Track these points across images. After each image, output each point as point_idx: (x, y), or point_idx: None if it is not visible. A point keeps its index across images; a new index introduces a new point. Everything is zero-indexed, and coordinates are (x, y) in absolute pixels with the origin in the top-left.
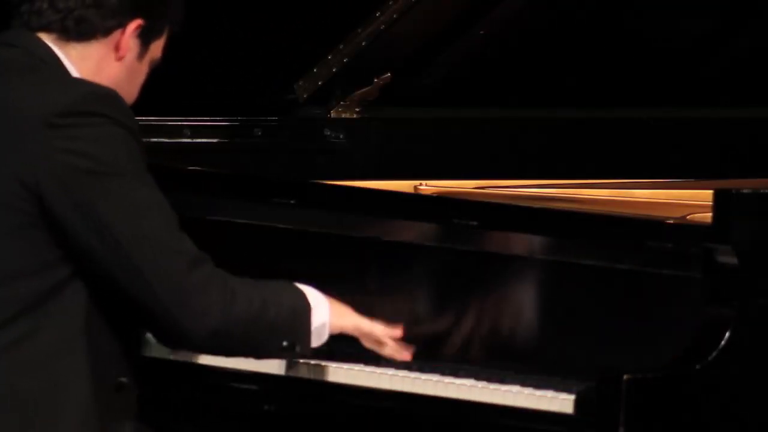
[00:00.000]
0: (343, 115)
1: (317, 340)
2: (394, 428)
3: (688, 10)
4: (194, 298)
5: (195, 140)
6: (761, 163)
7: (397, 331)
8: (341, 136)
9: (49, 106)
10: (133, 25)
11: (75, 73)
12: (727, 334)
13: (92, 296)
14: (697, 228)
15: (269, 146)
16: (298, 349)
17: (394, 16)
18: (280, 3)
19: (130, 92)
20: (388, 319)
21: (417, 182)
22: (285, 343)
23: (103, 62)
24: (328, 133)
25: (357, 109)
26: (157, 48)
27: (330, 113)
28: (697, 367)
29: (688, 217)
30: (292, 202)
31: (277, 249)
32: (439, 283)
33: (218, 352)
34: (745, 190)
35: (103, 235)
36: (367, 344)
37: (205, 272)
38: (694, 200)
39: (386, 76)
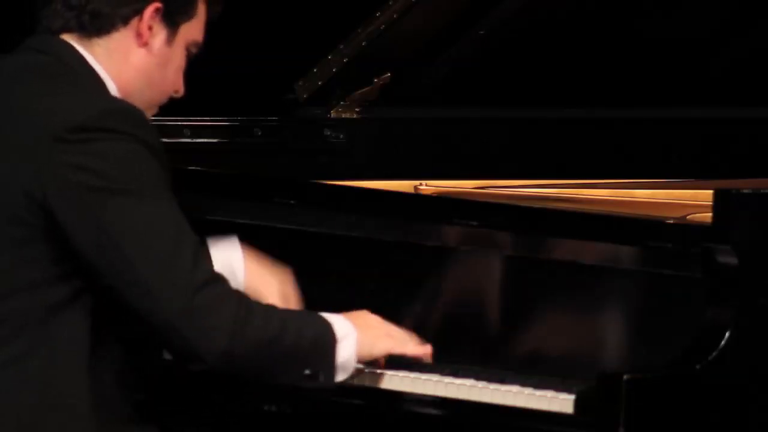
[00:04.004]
0: (343, 115)
1: (343, 373)
2: (393, 428)
3: (689, 11)
4: (204, 317)
5: (195, 140)
6: (761, 163)
7: (428, 351)
8: (341, 136)
9: (63, 120)
10: (151, 9)
11: (102, 71)
12: (727, 334)
13: (101, 314)
14: (697, 228)
15: (269, 146)
16: (321, 378)
17: (394, 16)
18: (281, 3)
19: (164, 78)
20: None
21: (417, 182)
22: (307, 372)
23: (128, 53)
24: (328, 133)
25: (357, 109)
26: (191, 30)
27: (330, 113)
28: (697, 367)
29: (688, 217)
30: (292, 202)
31: (277, 249)
32: (440, 283)
33: (233, 374)
34: (745, 190)
35: (111, 252)
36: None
37: (216, 291)
38: (694, 200)
39: (386, 76)
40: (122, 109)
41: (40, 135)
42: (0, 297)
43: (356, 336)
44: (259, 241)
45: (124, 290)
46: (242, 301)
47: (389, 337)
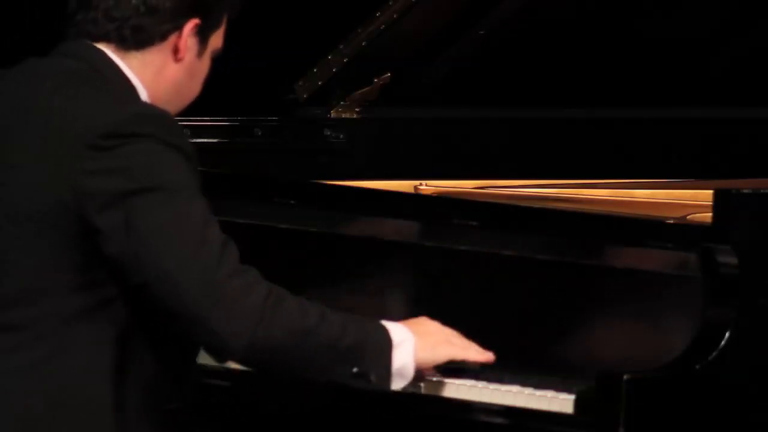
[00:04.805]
0: (343, 115)
1: (401, 380)
2: (392, 428)
3: (689, 11)
4: (229, 307)
5: (195, 140)
6: (761, 163)
7: (490, 357)
8: (341, 136)
9: (95, 126)
10: (190, 26)
11: (137, 81)
12: (727, 334)
13: (127, 324)
14: (697, 228)
15: (269, 146)
16: (373, 379)
17: (394, 16)
18: (281, 3)
19: (192, 90)
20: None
21: (417, 182)
22: (355, 370)
23: (163, 67)
24: (328, 133)
25: (357, 109)
26: (216, 39)
27: (330, 113)
28: (697, 367)
29: (688, 217)
30: (292, 202)
31: (277, 249)
32: (439, 284)
33: (268, 366)
34: (745, 190)
35: (139, 247)
36: None
37: (243, 282)
38: (694, 200)
39: (386, 76)
40: (153, 114)
41: (71, 140)
42: (22, 302)
43: (414, 342)
44: (259, 241)
45: (151, 286)
46: (272, 291)
47: (449, 343)
